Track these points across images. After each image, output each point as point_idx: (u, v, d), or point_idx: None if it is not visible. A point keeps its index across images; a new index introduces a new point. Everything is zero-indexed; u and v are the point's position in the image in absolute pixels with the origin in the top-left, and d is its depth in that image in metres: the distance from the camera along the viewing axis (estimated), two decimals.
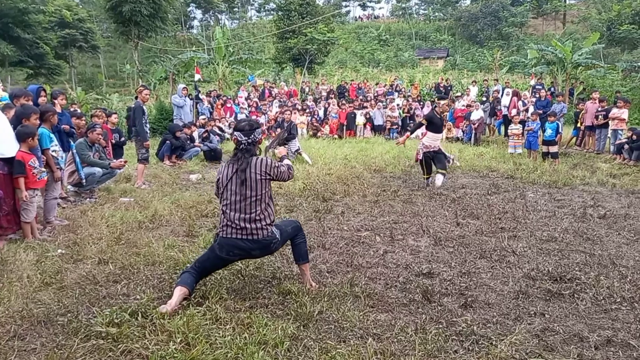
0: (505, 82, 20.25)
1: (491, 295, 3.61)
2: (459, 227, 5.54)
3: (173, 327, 2.84)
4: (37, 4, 27.07)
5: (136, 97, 8.05)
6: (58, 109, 6.31)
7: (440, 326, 3.06)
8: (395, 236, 5.15)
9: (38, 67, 28.72)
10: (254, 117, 17.63)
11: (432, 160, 8.03)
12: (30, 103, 5.50)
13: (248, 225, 3.35)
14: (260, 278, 3.85)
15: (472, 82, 21.84)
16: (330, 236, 5.15)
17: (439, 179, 7.86)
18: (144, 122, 7.79)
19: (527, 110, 13.73)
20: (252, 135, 3.45)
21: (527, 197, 7.28)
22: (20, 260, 4.12)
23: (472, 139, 14.52)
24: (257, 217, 3.36)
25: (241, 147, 3.45)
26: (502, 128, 15.69)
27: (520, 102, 14.36)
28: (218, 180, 3.55)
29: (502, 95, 15.73)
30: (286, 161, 3.75)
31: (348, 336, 2.93)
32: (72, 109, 9.25)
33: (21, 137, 4.79)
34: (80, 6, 41.85)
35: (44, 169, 5.07)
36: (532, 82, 18.55)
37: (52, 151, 5.34)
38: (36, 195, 4.97)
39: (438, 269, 4.13)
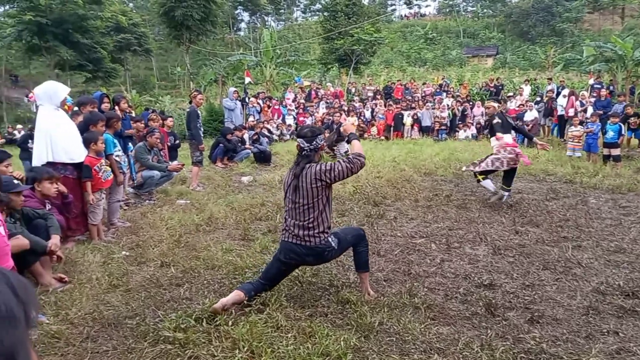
0: (561, 81, 19.42)
1: (559, 310, 3.46)
2: (518, 235, 5.35)
3: (237, 335, 2.88)
4: (94, 11, 28.34)
5: (190, 102, 8.27)
6: (119, 114, 6.57)
7: (507, 343, 2.96)
8: (451, 244, 5.04)
9: (95, 71, 30.08)
10: (301, 118, 17.81)
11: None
12: (96, 110, 5.76)
13: (301, 232, 3.38)
14: (317, 285, 3.86)
15: (525, 81, 21.11)
16: (385, 242, 5.10)
17: (488, 185, 6.95)
18: (198, 125, 8.00)
19: (585, 111, 13.13)
20: (315, 142, 3.46)
21: (589, 203, 6.94)
22: (89, 262, 4.32)
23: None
24: (310, 225, 3.37)
25: (303, 153, 3.47)
26: (556, 129, 15.09)
27: (578, 102, 13.74)
28: (283, 185, 3.60)
29: (556, 95, 15.12)
30: (345, 148, 3.76)
31: (411, 350, 2.88)
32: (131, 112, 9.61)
33: (87, 143, 5.01)
34: (135, 11, 43.48)
35: (108, 168, 5.30)
36: (591, 81, 17.67)
37: (116, 156, 5.57)
38: (102, 197, 5.19)
39: (499, 280, 4.00)
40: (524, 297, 3.68)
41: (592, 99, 13.76)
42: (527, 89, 18.79)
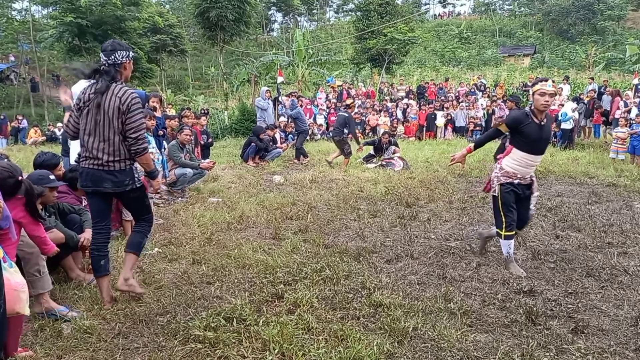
0: (604, 81, 18.72)
1: (604, 321, 3.26)
2: (558, 240, 5.13)
3: (268, 336, 2.83)
4: (132, 12, 28.99)
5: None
6: (158, 113, 6.63)
7: (550, 353, 2.80)
8: (488, 247, 4.86)
9: (133, 71, 30.59)
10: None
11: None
12: None
13: (104, 157, 3.27)
14: (349, 287, 3.77)
15: (564, 80, 20.43)
16: (418, 245, 4.96)
17: (504, 247, 4.32)
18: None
19: (629, 112, 12.58)
20: (113, 57, 3.23)
21: (634, 207, 6.61)
22: (122, 257, 4.35)
23: (565, 141, 13.55)
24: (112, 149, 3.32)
25: (102, 68, 3.25)
26: (600, 130, 14.54)
27: (622, 103, 13.19)
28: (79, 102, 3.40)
29: (598, 96, 14.55)
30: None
31: (447, 358, 2.76)
32: (165, 111, 9.75)
33: None
34: (171, 13, 44.33)
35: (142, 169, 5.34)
36: (635, 81, 16.93)
37: (150, 153, 5.61)
38: None
39: (540, 287, 3.82)
40: (566, 305, 3.49)
41: (637, 99, 13.17)
42: (566, 89, 18.17)
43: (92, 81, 3.26)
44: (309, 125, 16.00)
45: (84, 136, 3.27)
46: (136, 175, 3.35)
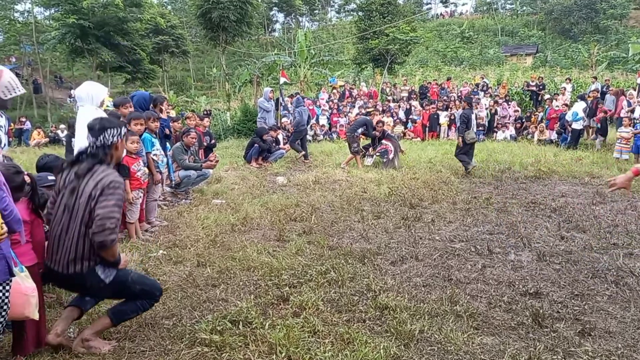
0: (605, 80, 18.64)
1: (611, 323, 3.25)
2: (563, 241, 5.11)
3: (274, 339, 2.83)
4: (134, 13, 29.05)
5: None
6: (164, 115, 6.62)
7: (557, 356, 2.79)
8: (492, 249, 4.85)
9: (135, 72, 30.87)
10: (334, 118, 17.74)
11: None
12: (132, 110, 5.80)
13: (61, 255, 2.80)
14: (354, 289, 3.76)
15: (567, 80, 20.39)
16: (422, 246, 4.95)
17: None
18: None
19: (632, 111, 12.53)
20: (103, 136, 2.82)
21: (639, 208, 6.59)
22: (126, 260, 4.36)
23: (568, 141, 13.51)
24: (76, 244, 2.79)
25: (89, 150, 2.84)
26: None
27: (625, 102, 13.13)
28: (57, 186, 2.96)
29: (601, 95, 14.49)
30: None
31: None
32: (168, 112, 9.75)
33: None
34: (173, 14, 44.41)
35: (147, 169, 5.35)
36: (639, 80, 16.88)
37: (154, 155, 5.63)
38: (140, 196, 5.25)
39: (546, 289, 3.81)
40: (573, 307, 3.48)
41: None
42: (568, 88, 18.12)
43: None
44: (311, 126, 16.04)
45: (50, 227, 2.83)
46: (102, 276, 2.75)
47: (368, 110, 11.72)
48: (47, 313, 3.15)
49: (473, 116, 9.69)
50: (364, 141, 11.14)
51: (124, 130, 2.92)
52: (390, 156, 10.21)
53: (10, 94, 2.86)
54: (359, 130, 10.50)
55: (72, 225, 2.70)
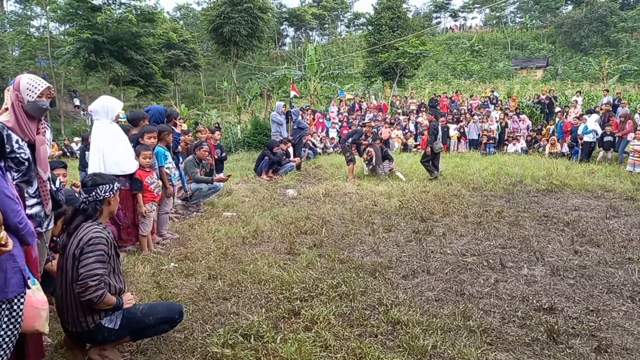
0: (617, 93, 18.53)
1: (628, 339, 3.20)
2: (577, 256, 5.05)
3: (286, 354, 2.82)
4: (147, 28, 29.55)
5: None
6: (177, 130, 6.70)
7: None
8: (505, 263, 4.80)
9: (147, 86, 31.31)
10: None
11: None
12: (147, 124, 5.89)
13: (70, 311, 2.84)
14: (366, 303, 3.74)
15: (577, 93, 20.32)
16: (434, 260, 4.92)
17: None
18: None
19: None
20: (94, 193, 2.87)
21: None
22: (139, 273, 4.39)
23: (580, 154, 13.40)
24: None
25: (81, 206, 2.89)
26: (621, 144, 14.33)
27: (637, 115, 13.04)
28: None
29: (613, 108, 14.41)
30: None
31: None
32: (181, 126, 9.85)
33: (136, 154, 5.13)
34: (185, 28, 45.05)
35: (160, 182, 5.40)
36: None
37: (167, 168, 5.68)
38: (153, 209, 5.29)
39: (560, 304, 3.76)
40: (588, 323, 3.43)
41: None
42: (579, 101, 18.05)
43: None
44: (321, 139, 16.09)
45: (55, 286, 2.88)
46: (109, 325, 2.77)
47: (364, 123, 12.45)
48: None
49: (439, 127, 10.84)
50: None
51: (116, 185, 2.98)
52: (373, 162, 10.64)
53: (35, 93, 2.87)
54: (349, 140, 11.18)
55: (68, 286, 2.74)
